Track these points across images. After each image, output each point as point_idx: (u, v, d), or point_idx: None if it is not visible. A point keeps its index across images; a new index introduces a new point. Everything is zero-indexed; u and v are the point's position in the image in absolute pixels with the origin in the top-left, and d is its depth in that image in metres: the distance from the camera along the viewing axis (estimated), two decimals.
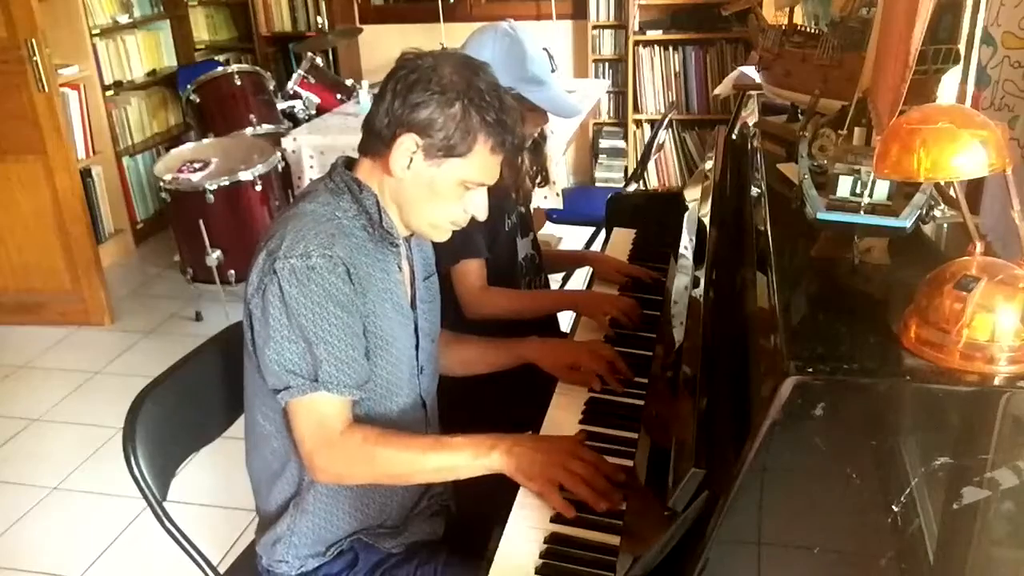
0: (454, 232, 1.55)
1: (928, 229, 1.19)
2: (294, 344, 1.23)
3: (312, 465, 1.26)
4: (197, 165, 3.59)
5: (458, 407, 1.55)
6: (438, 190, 1.29)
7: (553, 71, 1.79)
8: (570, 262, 2.42)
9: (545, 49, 1.79)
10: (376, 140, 1.29)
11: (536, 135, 1.86)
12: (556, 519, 1.23)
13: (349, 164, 1.36)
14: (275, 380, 1.25)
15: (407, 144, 1.25)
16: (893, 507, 0.85)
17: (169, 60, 5.09)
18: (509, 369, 1.64)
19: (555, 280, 3.10)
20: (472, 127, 1.25)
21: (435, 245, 1.52)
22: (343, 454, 1.25)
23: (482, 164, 1.28)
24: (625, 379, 1.55)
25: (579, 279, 2.67)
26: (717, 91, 4.38)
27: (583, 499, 1.21)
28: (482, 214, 1.35)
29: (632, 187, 3.78)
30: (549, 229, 4.18)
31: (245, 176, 3.49)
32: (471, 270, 1.75)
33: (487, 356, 1.65)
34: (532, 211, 2.55)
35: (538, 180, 1.99)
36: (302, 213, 1.28)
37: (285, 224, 1.26)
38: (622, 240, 2.29)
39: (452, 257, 1.72)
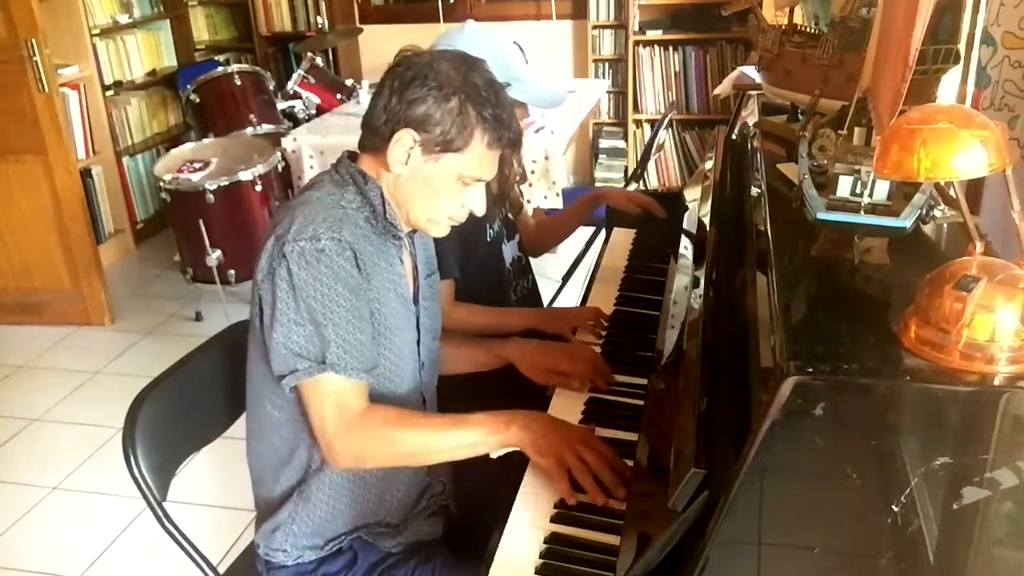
0: None
1: (928, 229, 1.19)
2: (301, 327, 1.23)
3: (332, 449, 1.25)
4: (197, 165, 3.59)
5: (457, 407, 1.55)
6: (436, 185, 1.30)
7: (526, 63, 1.79)
8: (579, 213, 2.25)
9: (515, 43, 1.78)
10: (375, 137, 1.30)
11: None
12: (556, 519, 1.23)
13: (353, 158, 1.37)
14: (281, 364, 1.25)
15: (405, 140, 1.26)
16: (893, 507, 0.85)
17: (169, 60, 5.09)
18: (504, 368, 1.64)
19: (556, 274, 3.11)
20: (469, 122, 1.25)
21: None
22: (364, 436, 1.26)
23: (479, 159, 1.29)
24: (609, 381, 1.55)
25: (579, 279, 2.66)
26: (717, 91, 4.37)
27: (585, 489, 1.23)
28: (480, 209, 1.36)
29: (632, 187, 3.78)
30: None
31: (245, 176, 3.49)
32: (438, 289, 1.74)
33: (468, 355, 1.65)
34: (533, 211, 2.55)
35: (518, 179, 1.99)
36: (310, 200, 1.29)
37: (293, 210, 1.27)
38: (622, 240, 2.29)
39: None
